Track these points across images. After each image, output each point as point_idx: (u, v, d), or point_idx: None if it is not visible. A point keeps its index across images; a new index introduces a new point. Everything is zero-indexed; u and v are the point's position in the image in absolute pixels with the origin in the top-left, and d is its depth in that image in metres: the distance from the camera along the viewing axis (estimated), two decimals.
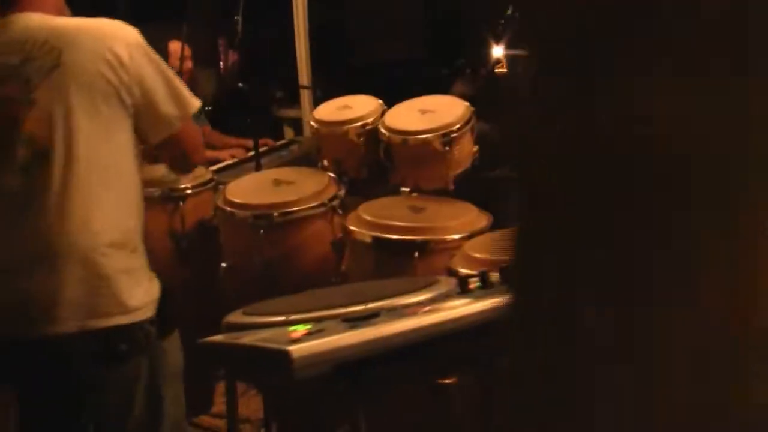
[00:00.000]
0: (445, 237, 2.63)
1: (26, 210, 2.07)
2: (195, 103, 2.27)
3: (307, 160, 4.82)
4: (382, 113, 3.21)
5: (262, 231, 2.86)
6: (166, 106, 2.20)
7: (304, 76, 6.47)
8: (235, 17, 3.78)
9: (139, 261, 2.18)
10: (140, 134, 2.22)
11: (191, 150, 2.37)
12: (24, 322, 2.06)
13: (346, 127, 3.20)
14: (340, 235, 2.92)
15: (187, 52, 4.89)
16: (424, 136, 2.96)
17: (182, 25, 4.93)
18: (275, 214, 2.88)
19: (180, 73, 4.52)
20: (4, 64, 2.14)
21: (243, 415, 3.41)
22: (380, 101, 3.30)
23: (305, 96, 6.60)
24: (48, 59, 2.13)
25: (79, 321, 2.03)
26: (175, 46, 4.87)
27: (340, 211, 2.97)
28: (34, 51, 2.15)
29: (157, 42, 2.49)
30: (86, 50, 2.13)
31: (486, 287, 1.58)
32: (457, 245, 2.58)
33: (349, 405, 1.42)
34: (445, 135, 2.94)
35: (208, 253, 3.14)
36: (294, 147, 4.79)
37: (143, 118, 2.19)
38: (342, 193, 3.05)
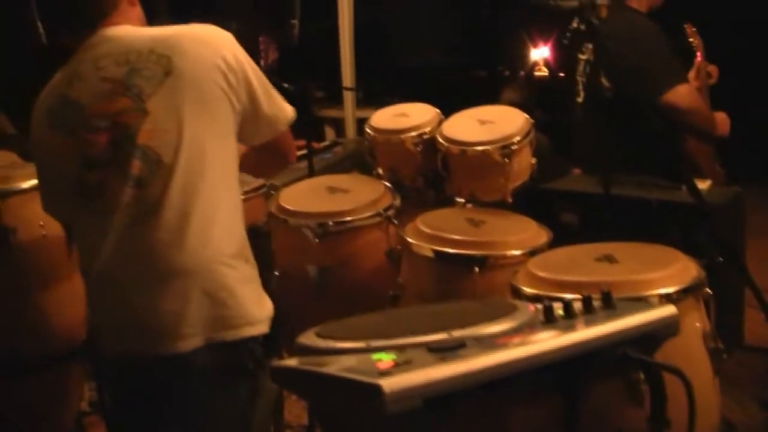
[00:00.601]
0: (506, 252, 2.59)
1: (143, 223, 2.02)
2: (290, 107, 2.29)
3: (352, 161, 4.80)
4: (439, 122, 3.17)
5: (317, 240, 2.82)
6: (271, 109, 2.20)
7: (347, 77, 6.45)
8: (292, 21, 3.75)
9: (255, 271, 2.17)
10: (244, 136, 2.19)
11: (290, 151, 2.40)
12: (147, 339, 2.02)
13: (403, 135, 3.16)
14: (395, 245, 2.89)
15: None
16: (483, 147, 2.91)
17: (228, 23, 4.89)
18: (330, 222, 2.84)
19: None
20: (110, 78, 2.09)
21: (286, 420, 3.39)
22: (437, 110, 3.26)
23: (348, 97, 6.58)
24: (158, 68, 2.08)
25: (206, 335, 2.00)
26: None
27: (396, 221, 2.94)
28: (141, 61, 2.10)
29: None
30: (195, 57, 2.09)
31: (569, 317, 1.54)
32: (517, 261, 2.54)
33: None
34: (504, 147, 2.89)
35: (259, 260, 3.11)
36: (338, 149, 4.77)
37: (250, 121, 2.17)
38: (398, 202, 3.01)
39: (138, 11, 2.27)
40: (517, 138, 2.91)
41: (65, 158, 2.11)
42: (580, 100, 3.60)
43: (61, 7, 2.23)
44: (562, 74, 3.91)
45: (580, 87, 3.60)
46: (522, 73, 12.16)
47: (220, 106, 2.08)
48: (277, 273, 2.95)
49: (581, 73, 3.58)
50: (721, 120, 3.75)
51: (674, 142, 3.57)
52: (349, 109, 6.62)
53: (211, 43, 2.13)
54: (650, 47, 3.46)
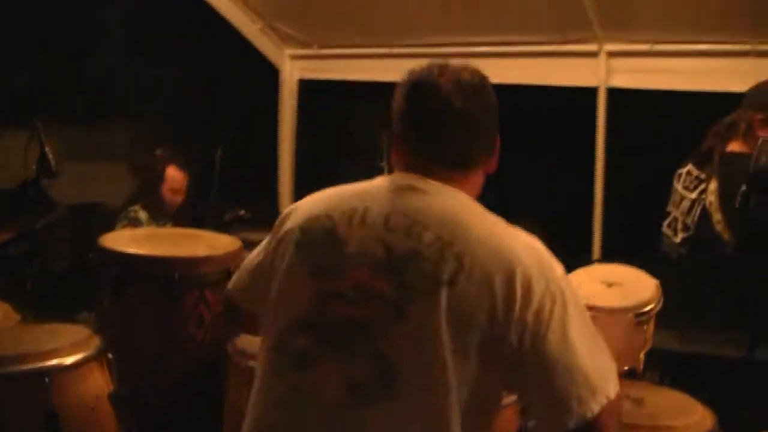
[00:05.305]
0: None
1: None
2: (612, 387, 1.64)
3: None
4: None
5: None
6: (569, 387, 1.60)
7: None
8: None
9: None
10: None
11: None
12: None
13: None
14: None
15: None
16: (618, 313, 2.69)
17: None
18: None
19: None
20: (389, 247, 1.67)
21: None
22: None
23: None
24: (437, 269, 1.61)
25: None
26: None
27: None
28: (424, 246, 1.64)
29: None
30: (481, 272, 1.60)
31: None
32: None
33: None
34: (641, 314, 2.69)
35: None
36: None
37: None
38: None
39: (479, 180, 1.84)
40: (652, 304, 2.72)
41: (295, 292, 1.74)
42: (677, 240, 3.26)
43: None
44: None
45: (680, 226, 3.24)
46: None
47: (482, 348, 1.62)
48: None
49: (684, 212, 3.21)
50: None
51: None
52: None
53: (510, 262, 1.63)
54: None
